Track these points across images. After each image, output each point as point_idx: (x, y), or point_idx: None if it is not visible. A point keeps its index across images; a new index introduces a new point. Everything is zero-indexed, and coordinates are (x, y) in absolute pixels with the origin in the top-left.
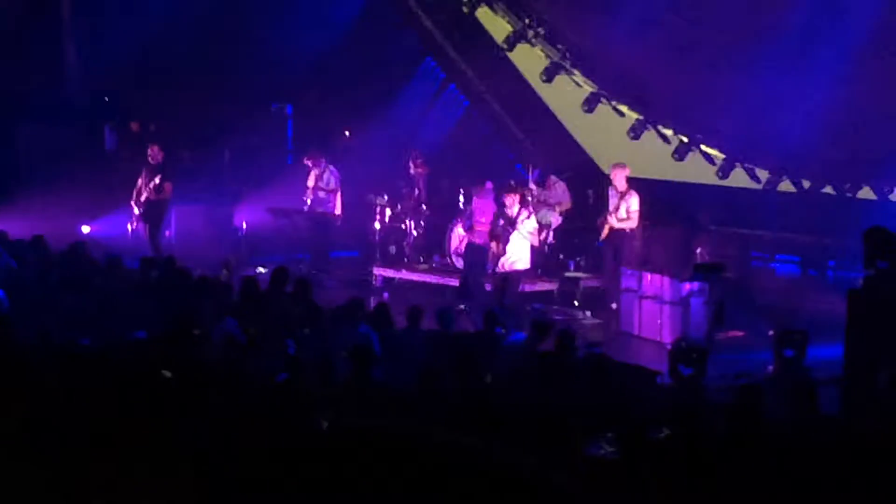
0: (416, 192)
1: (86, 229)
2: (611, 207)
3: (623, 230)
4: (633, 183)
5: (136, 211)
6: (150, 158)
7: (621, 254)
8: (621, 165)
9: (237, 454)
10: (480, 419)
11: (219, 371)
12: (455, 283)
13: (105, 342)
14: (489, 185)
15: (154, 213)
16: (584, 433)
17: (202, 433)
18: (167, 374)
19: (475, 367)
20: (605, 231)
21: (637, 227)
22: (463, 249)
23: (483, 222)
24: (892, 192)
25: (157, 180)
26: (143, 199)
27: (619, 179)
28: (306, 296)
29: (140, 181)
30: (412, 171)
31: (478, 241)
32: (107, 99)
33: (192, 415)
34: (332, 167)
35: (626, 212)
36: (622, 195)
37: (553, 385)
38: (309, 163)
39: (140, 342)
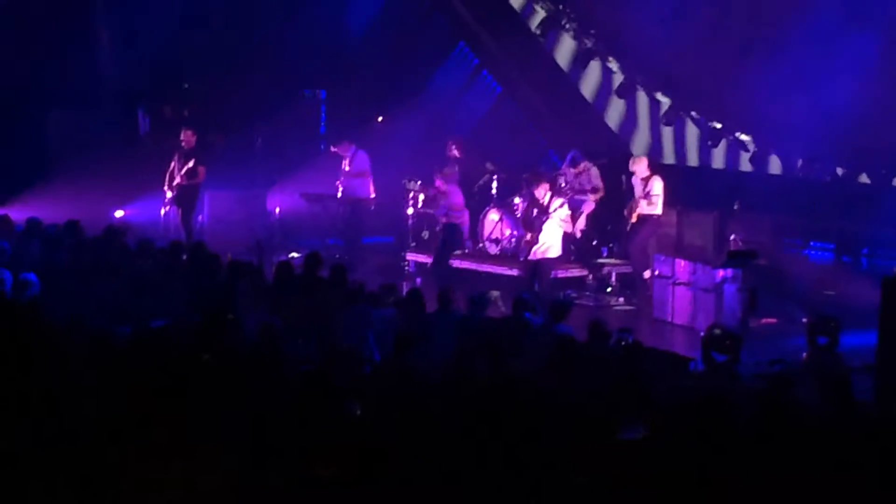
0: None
1: (119, 214)
2: (637, 194)
3: (649, 216)
4: (664, 168)
5: (169, 195)
6: (182, 143)
7: (650, 239)
8: (638, 158)
9: (274, 443)
10: (510, 405)
11: (255, 357)
12: (490, 268)
13: (138, 328)
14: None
15: (187, 198)
16: (615, 419)
17: (239, 420)
18: (206, 357)
19: (502, 352)
20: (634, 217)
21: (662, 212)
22: (492, 234)
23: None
24: None
25: (190, 164)
26: (175, 183)
27: (639, 169)
28: (344, 281)
29: (172, 165)
30: (450, 154)
31: (455, 222)
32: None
33: (228, 402)
34: (361, 152)
35: (650, 196)
36: (646, 181)
37: (585, 374)
38: (336, 150)
39: (173, 328)
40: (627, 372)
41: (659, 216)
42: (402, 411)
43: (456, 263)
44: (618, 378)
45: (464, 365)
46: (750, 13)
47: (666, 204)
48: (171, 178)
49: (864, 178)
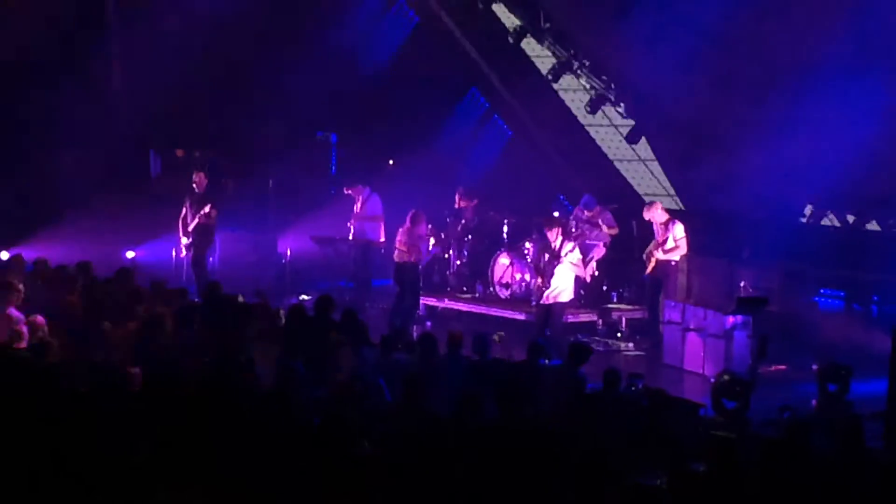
0: (462, 221)
1: (130, 255)
2: (657, 238)
3: (668, 262)
4: (676, 214)
5: (185, 241)
6: (194, 186)
7: (665, 286)
8: (650, 205)
9: (288, 480)
10: (525, 450)
11: (267, 398)
12: (501, 312)
13: (151, 369)
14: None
15: (200, 240)
16: (633, 465)
17: (254, 459)
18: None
19: (517, 397)
20: (652, 264)
21: (685, 256)
22: (503, 278)
23: (402, 242)
24: None
25: (205, 210)
26: (190, 227)
27: (656, 216)
28: (354, 324)
29: (184, 210)
30: (458, 205)
31: (406, 260)
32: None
33: (242, 442)
34: (374, 195)
35: (672, 240)
36: (665, 225)
37: (599, 420)
38: (350, 192)
39: (186, 369)
40: (648, 418)
41: (677, 262)
42: (412, 452)
43: (466, 307)
44: (637, 424)
45: (471, 409)
46: (761, 59)
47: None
48: (185, 224)
49: (874, 226)
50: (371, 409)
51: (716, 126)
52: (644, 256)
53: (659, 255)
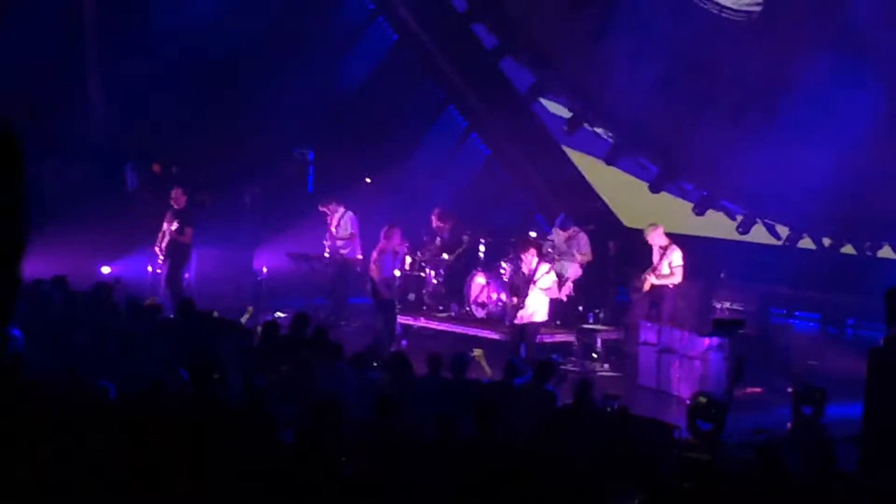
0: (438, 240)
1: (106, 270)
2: (654, 262)
3: (664, 287)
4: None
5: (160, 255)
6: (172, 202)
7: (662, 310)
8: (653, 225)
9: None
10: (500, 470)
11: (241, 416)
12: (476, 332)
13: (125, 386)
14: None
15: (175, 256)
16: (608, 486)
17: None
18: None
19: (492, 417)
20: (647, 287)
21: (681, 282)
22: (479, 297)
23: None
24: None
25: (175, 224)
26: (165, 243)
27: (656, 238)
28: (326, 343)
29: (164, 225)
30: (435, 224)
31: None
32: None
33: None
34: (350, 213)
35: (668, 267)
36: (663, 251)
37: (573, 437)
38: (325, 210)
39: (159, 387)
40: (621, 438)
41: (675, 286)
42: (386, 472)
43: (441, 326)
44: (611, 444)
45: (446, 428)
46: (739, 82)
47: (685, 274)
48: (163, 238)
49: (849, 249)
50: (346, 427)
51: (692, 147)
52: (638, 281)
53: (652, 279)
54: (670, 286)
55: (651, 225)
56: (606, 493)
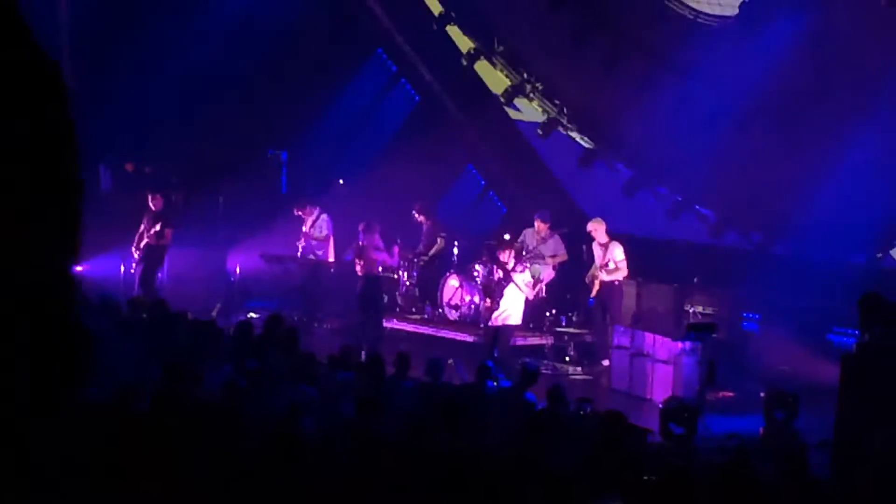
0: (421, 237)
1: (78, 268)
2: (598, 262)
3: (612, 283)
4: (626, 239)
5: (136, 255)
6: (150, 205)
7: (611, 309)
8: (597, 220)
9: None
10: (471, 473)
11: (218, 415)
12: (449, 334)
13: (97, 385)
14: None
15: (151, 257)
16: (587, 489)
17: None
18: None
19: (464, 420)
20: (596, 286)
21: (626, 277)
22: (452, 300)
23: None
24: (883, 256)
25: (157, 227)
26: (143, 244)
27: (598, 234)
28: (295, 345)
29: (142, 227)
30: (416, 219)
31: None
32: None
33: (190, 459)
34: (325, 215)
35: (613, 263)
36: (605, 247)
37: (546, 441)
38: (299, 212)
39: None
40: (603, 441)
41: (621, 281)
42: (360, 474)
43: (414, 328)
44: (592, 448)
45: (421, 432)
46: (715, 87)
47: (629, 271)
48: (140, 239)
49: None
50: (322, 429)
51: (666, 153)
52: (587, 280)
53: (603, 276)
54: (616, 283)
55: (594, 220)
56: (578, 497)
